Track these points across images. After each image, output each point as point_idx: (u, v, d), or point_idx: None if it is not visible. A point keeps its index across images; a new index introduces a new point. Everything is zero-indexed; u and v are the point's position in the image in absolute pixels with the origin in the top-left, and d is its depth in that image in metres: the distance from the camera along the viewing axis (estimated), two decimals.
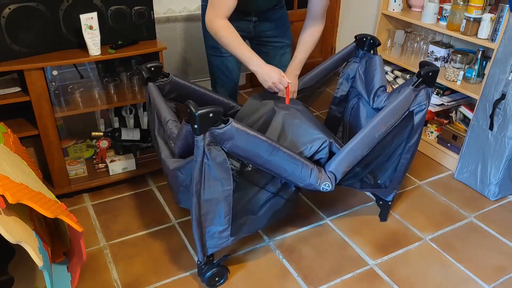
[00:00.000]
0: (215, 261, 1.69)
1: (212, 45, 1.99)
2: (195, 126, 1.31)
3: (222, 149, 1.40)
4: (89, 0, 1.92)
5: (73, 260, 1.69)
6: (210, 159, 1.39)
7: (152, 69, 1.74)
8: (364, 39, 2.00)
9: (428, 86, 1.71)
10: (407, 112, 1.71)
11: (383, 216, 2.09)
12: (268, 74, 1.73)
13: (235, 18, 1.92)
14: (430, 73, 1.68)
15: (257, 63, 1.73)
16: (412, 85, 1.68)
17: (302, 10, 2.06)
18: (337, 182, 1.64)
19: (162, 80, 1.79)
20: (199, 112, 1.29)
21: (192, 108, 1.31)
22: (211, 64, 2.08)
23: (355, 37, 2.03)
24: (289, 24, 2.10)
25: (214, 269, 1.68)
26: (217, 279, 1.71)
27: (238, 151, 1.43)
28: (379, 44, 1.98)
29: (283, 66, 2.17)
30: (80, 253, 1.63)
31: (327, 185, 1.60)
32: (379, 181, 1.90)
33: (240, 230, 1.62)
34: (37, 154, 2.10)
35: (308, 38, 1.92)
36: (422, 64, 1.72)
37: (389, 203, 2.04)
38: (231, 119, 1.36)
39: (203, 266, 1.66)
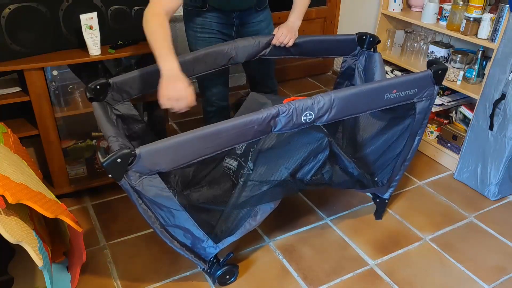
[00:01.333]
0: (220, 261, 1.68)
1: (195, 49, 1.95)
2: (109, 175, 1.23)
3: (159, 173, 1.31)
4: (89, 0, 1.92)
5: (73, 260, 1.69)
6: (145, 194, 1.33)
7: (98, 87, 1.57)
8: (364, 37, 2.00)
9: (435, 84, 1.70)
10: (410, 102, 1.69)
11: (379, 214, 2.08)
12: (172, 88, 1.40)
13: (217, 22, 1.90)
14: (440, 71, 1.67)
15: (171, 65, 1.43)
16: (430, 69, 1.66)
17: None
18: (328, 119, 1.49)
19: (110, 93, 1.63)
20: (105, 163, 1.20)
21: (99, 158, 1.22)
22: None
23: (356, 34, 2.03)
24: (272, 27, 2.09)
25: (222, 269, 1.67)
26: (227, 277, 1.72)
27: (180, 163, 1.33)
28: (379, 41, 1.99)
29: (265, 74, 2.16)
30: (80, 253, 1.64)
31: (308, 114, 1.45)
32: (376, 179, 1.90)
33: (228, 236, 1.61)
34: (37, 154, 2.10)
35: None
36: (431, 62, 1.71)
37: (386, 201, 2.04)
38: (137, 150, 1.24)
39: (208, 271, 1.66)
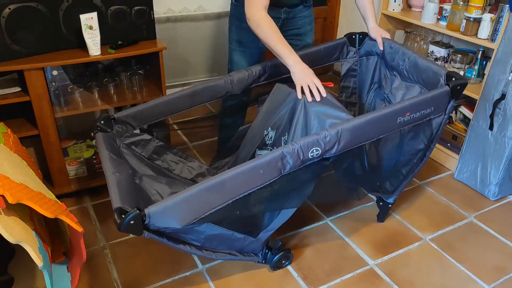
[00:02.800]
0: (272, 250, 1.75)
1: (237, 39, 2.02)
2: (130, 235, 1.28)
3: (178, 231, 1.34)
4: (89, 0, 1.92)
5: (73, 260, 1.69)
6: (167, 233, 1.35)
7: (102, 122, 1.65)
8: (354, 36, 2.05)
9: (452, 98, 1.67)
10: (428, 118, 1.67)
11: (381, 217, 2.08)
12: (304, 73, 1.67)
13: None
14: (459, 87, 1.64)
15: (295, 59, 1.69)
16: (448, 85, 1.63)
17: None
18: (337, 150, 1.47)
19: (118, 126, 1.70)
20: (122, 227, 1.24)
21: (116, 219, 1.25)
22: (232, 59, 2.10)
23: (345, 35, 2.07)
24: (313, 24, 2.14)
25: (277, 255, 1.74)
26: (283, 261, 1.80)
27: (193, 218, 1.33)
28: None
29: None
30: (80, 253, 1.63)
31: (315, 150, 1.43)
32: (382, 184, 1.90)
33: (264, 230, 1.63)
34: (37, 154, 2.10)
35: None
36: (450, 75, 1.65)
37: (390, 205, 2.03)
38: (146, 210, 1.26)
39: (263, 261, 1.75)
